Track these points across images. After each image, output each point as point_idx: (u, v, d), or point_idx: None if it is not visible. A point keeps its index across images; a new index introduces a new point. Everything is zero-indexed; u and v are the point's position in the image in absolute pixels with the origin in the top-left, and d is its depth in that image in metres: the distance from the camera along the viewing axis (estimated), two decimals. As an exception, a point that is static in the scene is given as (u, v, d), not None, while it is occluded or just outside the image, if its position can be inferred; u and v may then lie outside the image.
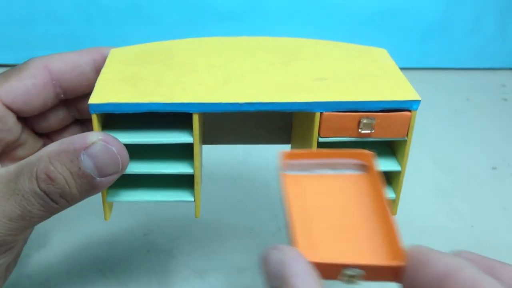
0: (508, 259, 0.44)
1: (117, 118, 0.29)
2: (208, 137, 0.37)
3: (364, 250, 0.23)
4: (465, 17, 0.67)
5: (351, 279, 0.22)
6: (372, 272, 0.22)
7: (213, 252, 0.41)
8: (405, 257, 0.22)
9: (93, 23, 0.64)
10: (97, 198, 0.30)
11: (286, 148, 0.39)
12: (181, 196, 0.30)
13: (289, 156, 0.27)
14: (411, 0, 0.65)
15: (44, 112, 0.33)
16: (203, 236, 0.43)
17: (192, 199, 0.30)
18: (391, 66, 0.32)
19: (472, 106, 0.63)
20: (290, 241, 0.24)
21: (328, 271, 0.22)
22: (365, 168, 0.27)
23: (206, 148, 0.37)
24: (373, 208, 0.25)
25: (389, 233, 0.24)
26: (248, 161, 0.51)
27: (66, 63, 0.32)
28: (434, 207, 0.47)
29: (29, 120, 0.33)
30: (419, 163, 0.52)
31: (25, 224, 0.27)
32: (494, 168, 0.53)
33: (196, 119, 0.28)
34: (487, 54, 0.70)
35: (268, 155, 0.50)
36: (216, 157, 0.49)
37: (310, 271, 0.21)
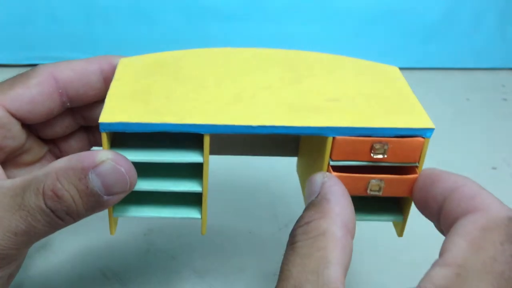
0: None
1: (127, 134, 0.28)
2: (214, 148, 0.36)
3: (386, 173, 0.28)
4: (465, 17, 0.67)
5: (374, 192, 0.28)
6: (392, 184, 0.28)
7: (213, 252, 0.41)
8: (418, 173, 0.28)
9: (93, 23, 0.64)
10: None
11: (293, 160, 0.38)
12: (188, 213, 0.30)
13: None
14: (411, 1, 0.65)
15: (49, 120, 0.32)
16: (203, 236, 0.43)
17: (199, 216, 0.30)
18: (404, 87, 0.31)
19: (472, 106, 0.63)
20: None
21: (356, 184, 0.28)
22: None
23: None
24: None
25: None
26: (248, 161, 0.51)
27: (73, 72, 0.31)
28: (434, 207, 0.47)
29: (34, 127, 0.33)
30: (419, 163, 0.52)
31: (30, 239, 0.26)
32: (494, 168, 0.53)
33: (207, 141, 0.27)
34: (487, 54, 0.70)
35: (268, 155, 0.50)
36: (215, 157, 0.49)
37: (345, 193, 0.26)
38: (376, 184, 0.28)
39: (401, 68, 0.32)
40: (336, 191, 0.26)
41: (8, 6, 0.62)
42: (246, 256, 0.41)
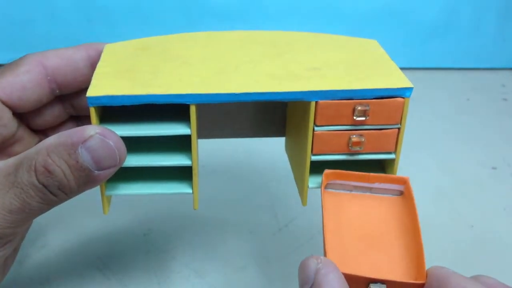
0: (508, 259, 0.44)
1: (115, 111, 0.29)
2: (203, 131, 0.37)
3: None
4: (465, 17, 0.67)
5: (355, 147, 0.26)
6: (372, 139, 0.26)
7: (213, 252, 0.41)
8: (426, 276, 0.24)
9: (93, 23, 0.64)
10: (96, 195, 0.30)
11: (281, 140, 0.39)
12: (180, 188, 0.30)
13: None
14: (412, 0, 0.66)
15: (39, 108, 0.33)
16: (203, 236, 0.43)
17: (190, 191, 0.30)
18: (383, 55, 0.32)
19: (472, 106, 0.63)
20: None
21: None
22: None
23: (206, 147, 0.37)
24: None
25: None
26: (248, 161, 0.51)
27: (61, 59, 0.32)
28: (434, 207, 0.47)
29: (25, 116, 0.33)
30: (419, 163, 0.52)
31: (25, 216, 0.27)
32: (494, 168, 0.53)
33: (193, 110, 0.28)
34: (487, 54, 0.70)
35: (268, 155, 0.50)
36: (216, 157, 0.49)
37: (342, 283, 0.23)
38: (356, 139, 0.29)
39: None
40: (331, 280, 0.24)
41: (8, 6, 0.62)
42: (246, 256, 0.41)
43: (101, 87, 0.28)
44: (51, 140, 0.27)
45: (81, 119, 0.36)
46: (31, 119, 0.33)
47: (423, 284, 0.25)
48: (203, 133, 0.37)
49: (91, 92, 0.27)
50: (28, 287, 0.38)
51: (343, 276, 0.24)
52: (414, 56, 0.69)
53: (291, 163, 0.37)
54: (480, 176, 0.51)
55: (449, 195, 0.48)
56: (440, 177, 0.50)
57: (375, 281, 0.25)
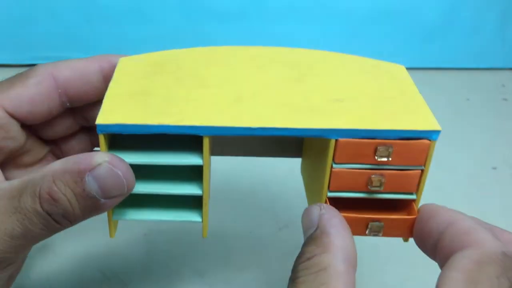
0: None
1: (125, 135, 0.28)
2: (216, 148, 0.35)
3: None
4: (465, 18, 0.67)
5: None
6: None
7: (213, 252, 0.41)
8: (418, 212, 0.27)
9: (93, 23, 0.64)
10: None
11: (293, 160, 0.38)
12: (189, 216, 0.30)
13: None
14: (412, 1, 0.65)
15: (49, 120, 0.32)
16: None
17: (200, 219, 0.30)
18: (410, 86, 0.30)
19: (472, 106, 0.63)
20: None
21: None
22: None
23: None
24: None
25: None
26: (248, 161, 0.51)
27: (73, 71, 0.31)
28: (434, 207, 0.47)
29: (35, 127, 0.32)
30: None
31: (27, 242, 0.26)
32: (494, 168, 0.53)
33: (206, 142, 0.27)
34: (487, 54, 0.70)
35: (268, 155, 0.50)
36: (215, 156, 0.49)
37: (345, 225, 0.26)
38: (377, 179, 0.27)
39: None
40: (335, 224, 0.25)
41: (8, 6, 0.62)
42: (246, 256, 0.41)
43: (111, 113, 0.27)
44: (58, 165, 0.26)
45: (93, 130, 0.35)
46: (41, 131, 0.33)
47: (415, 219, 0.27)
48: (216, 151, 0.36)
49: (100, 119, 0.26)
50: (28, 287, 0.38)
51: (345, 220, 0.26)
52: (414, 56, 0.69)
53: (306, 189, 0.35)
54: (480, 176, 0.51)
55: (449, 195, 0.48)
56: (440, 177, 0.50)
57: (373, 220, 0.27)
